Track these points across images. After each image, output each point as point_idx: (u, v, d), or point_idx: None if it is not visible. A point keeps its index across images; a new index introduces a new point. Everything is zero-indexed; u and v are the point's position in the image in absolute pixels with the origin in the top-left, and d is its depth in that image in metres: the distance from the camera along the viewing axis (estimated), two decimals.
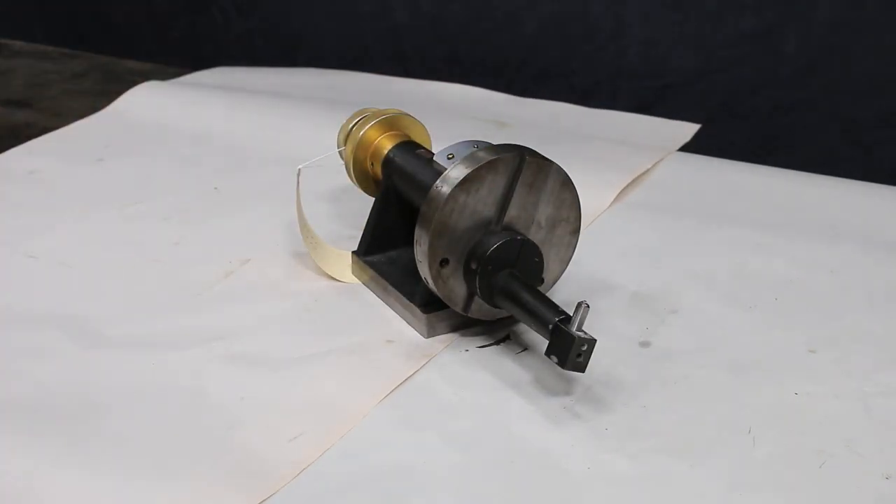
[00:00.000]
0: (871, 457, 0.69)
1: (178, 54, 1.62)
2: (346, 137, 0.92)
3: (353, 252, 0.90)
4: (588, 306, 0.70)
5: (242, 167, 1.13)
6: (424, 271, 0.78)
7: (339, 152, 0.94)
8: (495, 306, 0.79)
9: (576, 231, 0.82)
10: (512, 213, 0.78)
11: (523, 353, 0.81)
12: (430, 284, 0.78)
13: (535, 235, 0.80)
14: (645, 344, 0.81)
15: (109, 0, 1.71)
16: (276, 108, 1.25)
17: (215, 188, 1.07)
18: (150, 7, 1.69)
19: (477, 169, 0.76)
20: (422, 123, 0.93)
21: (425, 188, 0.80)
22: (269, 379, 0.77)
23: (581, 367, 0.71)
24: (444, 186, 0.76)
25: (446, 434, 0.71)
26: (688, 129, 1.24)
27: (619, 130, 1.25)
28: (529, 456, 0.70)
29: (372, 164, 0.91)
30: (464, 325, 0.83)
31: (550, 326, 0.72)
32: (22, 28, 1.69)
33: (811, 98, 1.23)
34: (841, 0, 1.18)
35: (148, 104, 1.27)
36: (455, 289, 0.79)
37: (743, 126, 1.22)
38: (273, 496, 0.66)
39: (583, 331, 0.70)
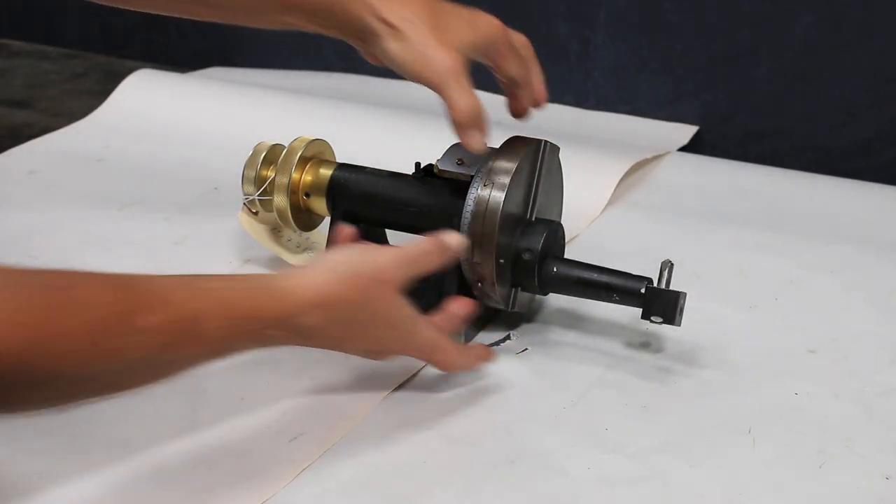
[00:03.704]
0: (871, 457, 0.69)
1: (178, 55, 1.61)
2: (268, 190, 0.86)
3: None
4: (673, 264, 0.74)
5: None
6: (486, 274, 0.77)
7: (253, 202, 0.87)
8: (543, 293, 0.80)
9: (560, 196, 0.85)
10: (540, 199, 0.79)
11: (523, 353, 0.81)
12: (491, 287, 0.77)
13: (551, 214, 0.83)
14: (645, 344, 0.81)
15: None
16: (276, 107, 1.24)
17: (215, 188, 1.07)
18: None
19: (521, 161, 0.77)
20: (321, 139, 0.88)
21: (432, 198, 0.80)
22: (269, 379, 0.76)
23: (679, 321, 0.75)
24: (495, 185, 0.76)
25: (446, 434, 0.71)
26: (686, 131, 1.24)
27: (618, 132, 1.25)
28: (529, 456, 0.70)
29: (304, 197, 0.86)
30: (481, 326, 0.83)
31: (643, 290, 0.75)
32: (22, 28, 1.69)
33: (784, 125, 1.23)
34: (815, 25, 1.17)
35: (148, 102, 1.27)
36: (505, 286, 0.79)
37: (713, 153, 1.21)
38: (273, 496, 0.66)
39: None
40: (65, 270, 0.56)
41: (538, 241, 0.77)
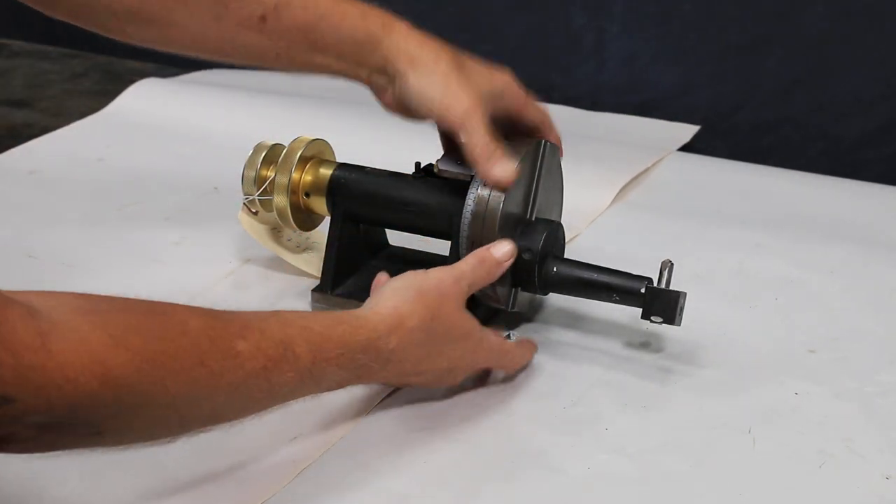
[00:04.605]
0: (871, 457, 0.69)
1: (177, 54, 1.61)
2: (268, 190, 0.86)
3: (315, 290, 0.85)
4: (673, 264, 0.74)
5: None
6: None
7: (253, 202, 0.87)
8: (543, 293, 0.80)
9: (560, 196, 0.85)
10: (540, 199, 0.79)
11: None
12: (491, 287, 0.77)
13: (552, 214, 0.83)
14: (645, 344, 0.81)
15: None
16: (277, 107, 1.25)
17: (215, 188, 1.07)
18: None
19: (521, 161, 0.76)
20: (321, 138, 0.88)
21: (432, 198, 0.80)
22: None
23: (679, 321, 0.75)
24: (495, 187, 0.76)
25: (446, 434, 0.71)
26: (687, 131, 1.24)
27: (619, 132, 1.25)
28: (529, 456, 0.70)
29: (304, 197, 0.86)
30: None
31: (643, 290, 0.75)
32: (22, 28, 1.69)
33: (795, 115, 1.23)
34: (826, 15, 1.18)
35: (148, 102, 1.27)
36: (505, 285, 0.79)
37: (724, 143, 1.21)
38: (273, 496, 0.66)
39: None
40: (153, 301, 0.57)
41: (538, 241, 0.77)
